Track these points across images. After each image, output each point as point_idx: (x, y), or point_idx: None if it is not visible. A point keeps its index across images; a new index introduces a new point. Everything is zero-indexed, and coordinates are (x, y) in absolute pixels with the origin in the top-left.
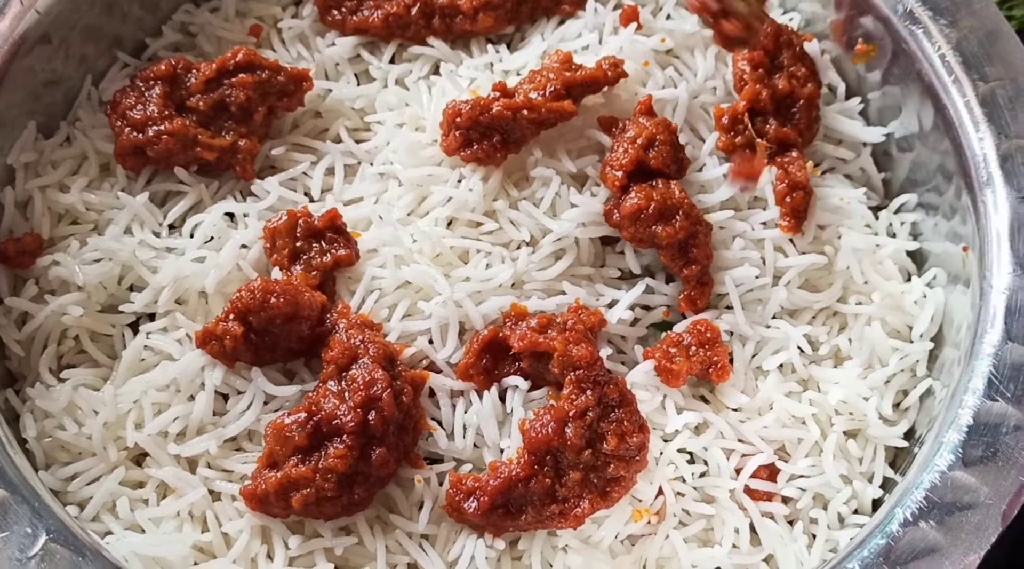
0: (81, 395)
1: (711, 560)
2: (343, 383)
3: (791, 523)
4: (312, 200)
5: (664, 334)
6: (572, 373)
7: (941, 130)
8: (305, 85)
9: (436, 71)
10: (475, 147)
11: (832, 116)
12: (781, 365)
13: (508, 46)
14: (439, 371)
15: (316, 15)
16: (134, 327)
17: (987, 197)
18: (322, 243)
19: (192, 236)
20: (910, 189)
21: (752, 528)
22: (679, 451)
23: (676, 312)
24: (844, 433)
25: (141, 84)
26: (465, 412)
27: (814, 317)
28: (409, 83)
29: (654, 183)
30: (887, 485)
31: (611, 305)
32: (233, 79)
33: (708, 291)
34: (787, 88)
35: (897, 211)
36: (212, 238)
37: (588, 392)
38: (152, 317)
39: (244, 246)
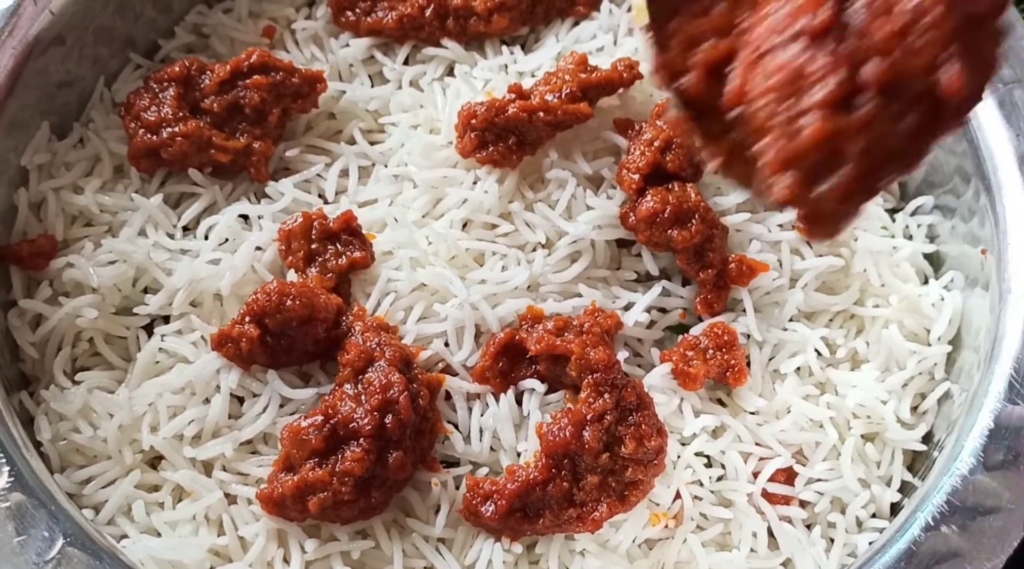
0: (96, 398)
1: (729, 564)
2: (359, 386)
3: (809, 527)
4: (327, 202)
5: (680, 337)
6: (589, 376)
7: (958, 132)
8: (319, 87)
9: (450, 72)
10: (490, 149)
11: None
12: (798, 368)
13: (522, 47)
14: (455, 374)
15: (330, 16)
16: (149, 329)
17: (1006, 199)
18: (337, 245)
19: (207, 238)
20: (927, 191)
21: (770, 532)
22: (696, 455)
23: (692, 314)
24: (862, 436)
25: (155, 86)
26: (482, 415)
27: (831, 320)
28: (423, 84)
29: (670, 186)
30: (905, 489)
31: (627, 308)
32: (247, 81)
33: (725, 294)
34: None
35: (913, 213)
36: (227, 240)
37: (606, 395)
38: (167, 319)
39: (259, 248)
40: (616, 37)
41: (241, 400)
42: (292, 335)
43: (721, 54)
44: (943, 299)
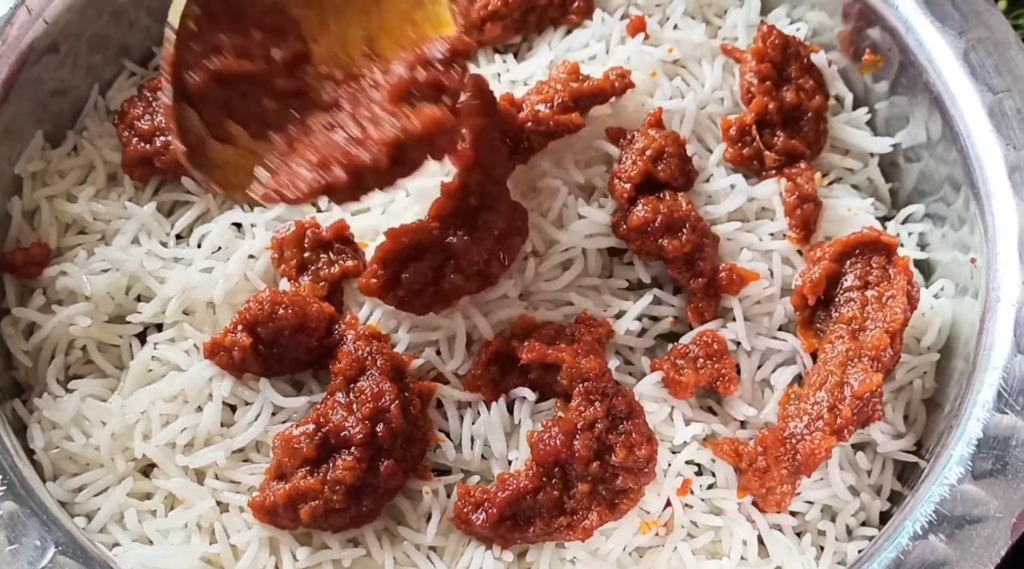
0: (88, 406)
1: None
2: (351, 395)
3: (799, 535)
4: (319, 210)
5: (671, 345)
6: (580, 385)
7: (949, 140)
8: None
9: None
10: None
11: (839, 126)
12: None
13: (515, 56)
14: (447, 382)
15: None
16: (141, 337)
17: (995, 208)
18: (330, 254)
19: (200, 246)
20: (918, 199)
21: (760, 540)
22: (687, 463)
23: (683, 323)
24: (852, 445)
25: (149, 94)
26: (473, 423)
27: None
28: None
29: (662, 195)
30: (895, 498)
31: (619, 316)
32: None
33: (715, 303)
34: (795, 101)
35: (904, 221)
36: (220, 248)
37: (596, 404)
38: (160, 327)
39: (252, 256)
40: (608, 46)
41: (233, 408)
42: (284, 344)
43: None
44: (933, 307)
